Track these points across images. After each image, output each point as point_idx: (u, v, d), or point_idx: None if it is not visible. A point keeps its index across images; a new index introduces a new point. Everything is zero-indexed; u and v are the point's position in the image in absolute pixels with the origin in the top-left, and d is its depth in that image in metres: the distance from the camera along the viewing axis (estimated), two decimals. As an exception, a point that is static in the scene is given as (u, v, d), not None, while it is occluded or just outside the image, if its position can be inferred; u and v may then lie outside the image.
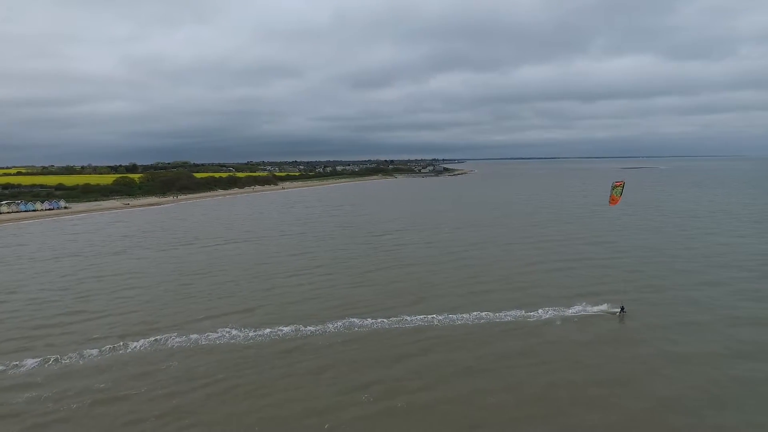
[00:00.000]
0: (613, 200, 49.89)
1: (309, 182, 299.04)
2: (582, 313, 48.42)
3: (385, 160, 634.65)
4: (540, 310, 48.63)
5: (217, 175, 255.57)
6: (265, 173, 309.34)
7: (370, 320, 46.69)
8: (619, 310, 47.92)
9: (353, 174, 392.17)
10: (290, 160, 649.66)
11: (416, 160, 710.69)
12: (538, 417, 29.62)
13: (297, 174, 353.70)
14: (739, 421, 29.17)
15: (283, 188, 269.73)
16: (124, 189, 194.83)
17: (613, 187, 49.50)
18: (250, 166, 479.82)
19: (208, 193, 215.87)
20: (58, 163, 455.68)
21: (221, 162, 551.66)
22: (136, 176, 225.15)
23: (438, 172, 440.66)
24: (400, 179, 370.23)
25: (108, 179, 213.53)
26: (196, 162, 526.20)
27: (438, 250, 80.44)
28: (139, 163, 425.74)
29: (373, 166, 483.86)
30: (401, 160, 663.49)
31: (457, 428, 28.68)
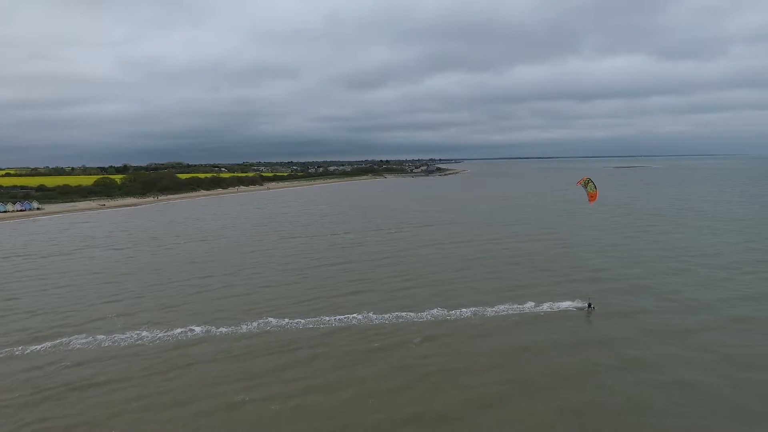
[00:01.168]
0: (591, 197, 48.21)
1: (296, 182, 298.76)
2: (503, 312, 48.17)
3: (381, 161, 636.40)
4: (463, 309, 48.25)
5: (201, 175, 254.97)
6: (252, 174, 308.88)
7: (287, 320, 46.23)
8: (586, 305, 47.20)
9: (344, 174, 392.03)
10: (287, 160, 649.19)
11: (413, 160, 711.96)
12: (395, 406, 29.90)
13: (285, 174, 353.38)
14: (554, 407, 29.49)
15: (269, 188, 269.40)
16: (103, 190, 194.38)
17: (585, 185, 47.83)
18: (242, 167, 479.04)
19: (190, 194, 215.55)
20: (56, 165, 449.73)
21: (216, 163, 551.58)
22: (118, 177, 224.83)
23: (428, 172, 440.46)
24: (390, 179, 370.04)
25: (89, 180, 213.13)
26: (189, 163, 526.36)
27: (387, 248, 79.97)
28: (133, 164, 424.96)
29: (366, 166, 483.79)
30: (398, 160, 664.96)
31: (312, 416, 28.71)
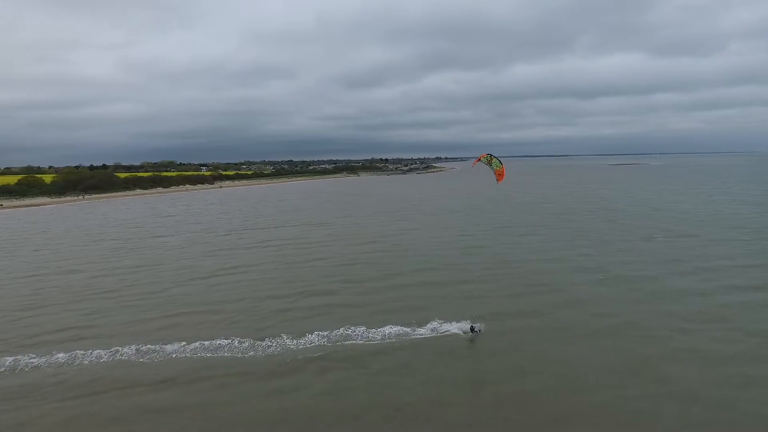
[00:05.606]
0: (498, 175, 39.94)
1: (254, 181, 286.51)
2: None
3: (381, 159, 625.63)
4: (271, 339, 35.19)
5: (141, 174, 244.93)
6: (209, 173, 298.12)
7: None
8: (468, 328, 36.46)
9: (314, 173, 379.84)
10: (288, 159, 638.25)
11: (420, 158, 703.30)
12: None
13: (250, 173, 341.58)
14: None
15: (221, 187, 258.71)
16: (21, 189, 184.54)
17: (489, 163, 39.72)
18: (226, 165, 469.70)
19: (121, 193, 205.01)
20: (67, 164, 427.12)
21: (208, 162, 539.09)
22: (48, 176, 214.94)
23: (406, 171, 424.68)
24: (363, 177, 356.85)
25: (15, 179, 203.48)
26: (182, 161, 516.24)
27: (201, 249, 65.91)
28: (125, 163, 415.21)
29: (341, 164, 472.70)
30: (398, 158, 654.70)
31: None
